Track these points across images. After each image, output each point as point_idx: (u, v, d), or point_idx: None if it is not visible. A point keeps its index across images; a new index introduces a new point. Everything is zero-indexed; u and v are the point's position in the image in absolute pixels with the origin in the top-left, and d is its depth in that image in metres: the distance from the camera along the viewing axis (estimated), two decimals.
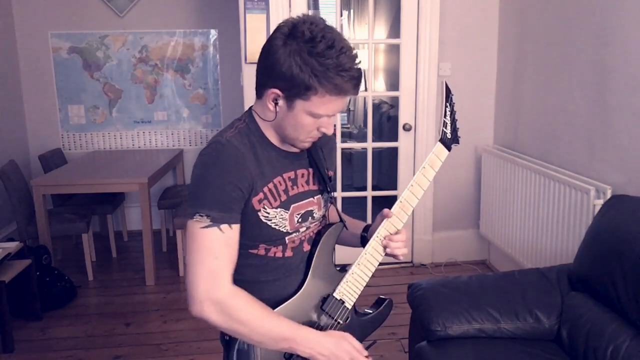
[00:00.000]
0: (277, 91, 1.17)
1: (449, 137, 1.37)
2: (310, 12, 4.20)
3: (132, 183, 3.66)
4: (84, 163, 4.28)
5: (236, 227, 1.18)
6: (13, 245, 3.11)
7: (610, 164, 2.51)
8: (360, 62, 1.18)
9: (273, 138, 1.26)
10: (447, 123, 1.36)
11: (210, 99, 4.85)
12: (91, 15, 4.62)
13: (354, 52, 1.17)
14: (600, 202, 2.35)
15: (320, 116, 1.18)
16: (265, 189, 1.22)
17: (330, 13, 7.95)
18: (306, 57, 1.11)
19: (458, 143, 1.39)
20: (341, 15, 3.77)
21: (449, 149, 1.36)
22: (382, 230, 1.31)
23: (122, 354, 2.86)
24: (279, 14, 3.44)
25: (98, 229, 4.72)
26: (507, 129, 3.58)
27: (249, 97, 3.46)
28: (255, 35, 3.45)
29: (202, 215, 1.15)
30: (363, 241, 1.44)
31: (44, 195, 3.56)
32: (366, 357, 1.26)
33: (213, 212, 1.15)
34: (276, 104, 1.19)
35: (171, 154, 4.51)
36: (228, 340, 1.30)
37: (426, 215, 3.84)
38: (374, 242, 1.31)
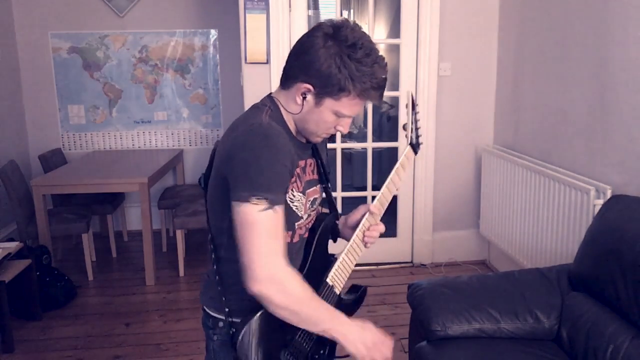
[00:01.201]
0: (309, 86, 1.22)
1: (414, 142, 1.51)
2: (311, 12, 4.21)
3: (132, 183, 3.66)
4: (84, 163, 4.28)
5: (283, 206, 1.22)
6: (13, 245, 3.11)
7: (610, 164, 2.51)
8: (387, 72, 1.26)
9: (292, 127, 1.31)
10: (413, 129, 1.50)
11: (210, 99, 4.85)
12: (91, 15, 4.62)
13: (386, 63, 1.25)
14: (600, 202, 2.35)
15: (343, 116, 1.25)
16: (296, 172, 1.28)
17: (330, 13, 7.94)
18: (346, 61, 1.18)
19: (419, 148, 1.54)
20: (341, 15, 3.77)
21: (415, 152, 1.52)
22: (366, 222, 1.40)
23: (122, 354, 2.86)
24: (279, 14, 3.44)
25: (98, 229, 4.71)
26: (507, 129, 3.58)
27: (249, 97, 3.46)
28: (255, 35, 3.45)
29: (259, 199, 1.15)
30: (332, 229, 1.51)
31: (44, 195, 3.56)
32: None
33: (270, 194, 1.16)
34: (304, 98, 1.24)
35: (171, 154, 4.51)
36: (232, 334, 1.28)
37: (426, 215, 3.84)
38: (360, 233, 1.39)
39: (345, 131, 1.30)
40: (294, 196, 1.27)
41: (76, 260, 4.12)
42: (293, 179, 1.26)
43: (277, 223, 1.18)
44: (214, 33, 4.76)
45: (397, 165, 1.45)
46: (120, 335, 3.05)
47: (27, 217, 3.67)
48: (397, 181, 1.45)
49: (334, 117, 1.25)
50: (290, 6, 3.48)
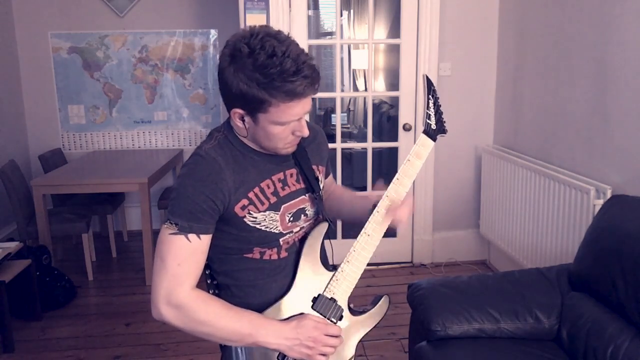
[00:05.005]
0: (239, 110, 1.18)
1: (434, 128, 1.35)
2: (311, 12, 4.20)
3: (132, 183, 3.66)
4: (84, 163, 4.28)
5: (205, 238, 1.20)
6: (13, 245, 3.11)
7: (610, 164, 2.51)
8: (312, 58, 1.16)
9: (254, 145, 1.27)
10: (430, 115, 1.35)
11: (210, 99, 4.85)
12: (91, 15, 4.62)
13: (301, 51, 1.15)
14: (600, 202, 2.35)
15: (286, 123, 1.18)
16: (251, 195, 1.23)
17: (330, 13, 7.95)
18: (250, 73, 1.11)
19: (445, 133, 1.38)
20: (341, 15, 3.78)
21: (434, 139, 1.35)
22: (370, 226, 1.31)
23: (122, 354, 2.86)
24: (279, 14, 3.44)
25: (98, 229, 4.72)
26: (507, 129, 3.58)
27: None
28: None
29: (171, 223, 1.18)
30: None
31: (44, 195, 3.56)
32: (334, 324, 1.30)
33: (182, 220, 1.17)
34: (243, 120, 1.20)
35: (171, 154, 4.51)
36: (223, 345, 1.30)
37: (426, 215, 3.84)
38: (362, 239, 1.31)
39: (305, 134, 1.22)
40: (255, 218, 1.24)
41: (76, 260, 4.12)
42: (244, 203, 1.22)
43: (187, 251, 1.18)
44: (214, 33, 4.76)
45: (409, 157, 1.32)
46: (120, 335, 3.05)
47: (27, 217, 3.67)
48: (410, 175, 1.32)
49: (281, 127, 1.18)
50: (290, 6, 3.48)
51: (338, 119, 3.85)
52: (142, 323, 3.18)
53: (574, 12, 2.76)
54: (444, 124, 1.38)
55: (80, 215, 3.82)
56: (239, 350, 1.25)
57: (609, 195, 2.39)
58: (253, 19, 3.44)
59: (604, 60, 2.52)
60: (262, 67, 1.10)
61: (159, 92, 4.80)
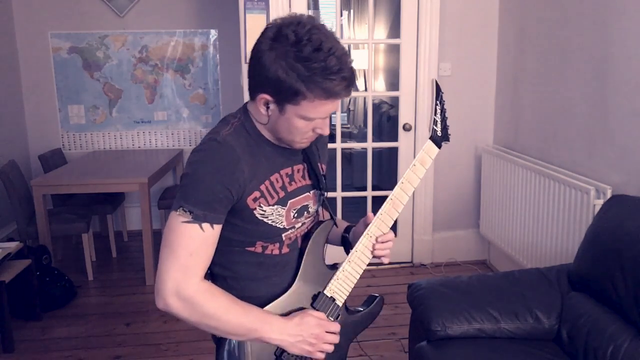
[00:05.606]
0: (267, 96, 1.15)
1: (439, 134, 1.36)
2: (310, 12, 4.20)
3: (132, 183, 3.66)
4: (84, 163, 4.28)
5: (217, 228, 1.18)
6: (13, 245, 3.11)
7: (610, 164, 2.51)
8: (352, 60, 1.15)
9: (269, 136, 1.25)
10: (437, 121, 1.35)
11: (210, 99, 4.86)
12: (91, 15, 4.62)
13: (345, 51, 1.13)
14: (600, 202, 2.35)
15: (312, 119, 1.17)
16: (262, 187, 1.22)
17: (330, 13, 7.95)
18: (292, 62, 1.09)
19: (448, 141, 1.39)
20: (341, 15, 3.78)
21: (439, 146, 1.36)
22: (373, 227, 1.32)
23: (122, 354, 2.86)
24: (279, 14, 3.39)
25: (98, 229, 4.72)
26: (507, 129, 3.58)
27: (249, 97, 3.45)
28: (255, 35, 3.40)
29: (185, 210, 1.14)
30: (344, 241, 1.44)
31: (44, 195, 3.56)
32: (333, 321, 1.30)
33: (197, 209, 1.14)
34: (268, 107, 1.18)
35: (171, 154, 4.51)
36: (219, 340, 1.30)
37: (426, 215, 3.84)
38: (365, 240, 1.31)
39: (325, 133, 1.22)
40: (265, 211, 1.22)
41: (76, 260, 4.12)
42: (256, 195, 1.21)
43: (200, 240, 1.15)
44: (214, 33, 4.76)
45: (415, 162, 1.33)
46: (120, 335, 3.05)
47: (27, 217, 3.67)
48: (413, 180, 1.33)
49: (305, 122, 1.16)
50: (290, 6, 3.48)
51: (338, 119, 3.86)
52: (142, 323, 3.19)
53: (574, 12, 2.76)
54: (448, 132, 1.38)
55: (80, 215, 3.82)
56: (234, 346, 1.24)
57: (609, 195, 2.39)
58: (253, 19, 3.44)
59: (604, 60, 2.52)
60: (305, 59, 1.08)
61: (159, 92, 4.80)
